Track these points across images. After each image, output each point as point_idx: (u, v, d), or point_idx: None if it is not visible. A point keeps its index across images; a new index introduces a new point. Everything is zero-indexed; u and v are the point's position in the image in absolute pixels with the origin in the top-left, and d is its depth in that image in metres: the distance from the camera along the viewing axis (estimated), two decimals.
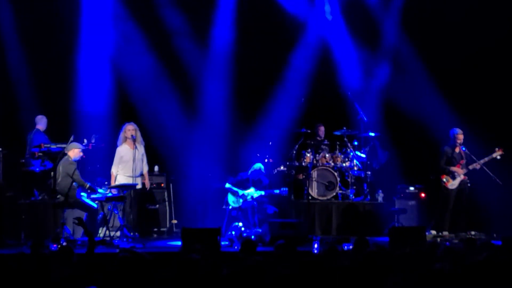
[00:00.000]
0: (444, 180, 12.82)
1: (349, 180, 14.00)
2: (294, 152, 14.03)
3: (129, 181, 11.93)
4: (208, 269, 6.03)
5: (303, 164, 13.81)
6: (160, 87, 14.46)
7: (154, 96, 14.38)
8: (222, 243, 10.68)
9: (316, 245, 10.53)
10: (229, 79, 14.72)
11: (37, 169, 12.52)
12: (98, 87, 14.04)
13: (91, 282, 5.86)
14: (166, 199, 13.58)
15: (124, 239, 11.27)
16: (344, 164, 13.97)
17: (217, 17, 14.82)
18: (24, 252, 7.17)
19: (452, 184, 12.79)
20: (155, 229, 13.35)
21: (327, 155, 13.97)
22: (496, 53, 14.28)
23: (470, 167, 12.77)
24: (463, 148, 12.85)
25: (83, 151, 11.71)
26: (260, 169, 12.80)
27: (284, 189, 12.80)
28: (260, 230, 11.87)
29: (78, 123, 13.38)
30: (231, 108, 14.61)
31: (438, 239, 11.79)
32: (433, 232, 12.71)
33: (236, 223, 12.10)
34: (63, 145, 11.76)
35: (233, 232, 11.77)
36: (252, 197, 12.57)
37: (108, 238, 11.26)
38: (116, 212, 11.71)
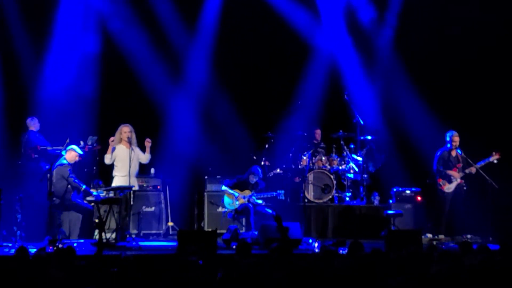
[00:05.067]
0: (441, 183, 12.83)
1: (345, 183, 14.01)
2: (291, 155, 14.03)
3: (124, 180, 11.88)
4: (205, 271, 6.04)
5: (300, 167, 13.82)
6: (158, 90, 14.46)
7: (152, 98, 14.37)
8: (220, 243, 10.69)
9: (316, 244, 10.64)
10: (228, 83, 14.72)
11: (33, 170, 12.49)
12: (93, 86, 14.04)
13: (89, 283, 5.86)
14: (162, 201, 13.56)
15: (120, 241, 11.24)
16: (340, 167, 13.98)
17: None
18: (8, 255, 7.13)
19: (449, 188, 12.80)
20: (151, 232, 13.32)
21: (323, 158, 13.97)
22: (493, 57, 14.32)
23: (467, 170, 12.78)
24: (460, 151, 12.86)
25: (80, 154, 11.68)
26: (256, 171, 12.79)
27: (280, 192, 12.80)
28: (256, 233, 11.86)
29: (75, 124, 13.38)
30: (230, 111, 14.62)
31: (434, 242, 11.78)
32: (429, 235, 12.72)
33: (232, 226, 12.09)
34: (60, 148, 11.75)
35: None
36: (248, 199, 12.56)
37: (104, 240, 11.21)
38: (111, 214, 11.68)
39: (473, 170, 12.75)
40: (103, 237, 11.37)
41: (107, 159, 12.05)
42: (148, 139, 12.16)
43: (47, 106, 13.64)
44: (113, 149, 12.02)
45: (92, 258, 7.81)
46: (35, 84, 13.83)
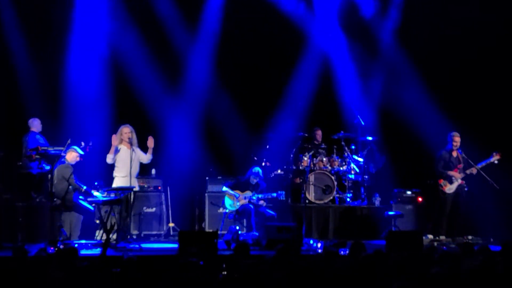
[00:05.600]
0: (442, 184, 12.82)
1: (346, 184, 14.01)
2: (292, 155, 14.04)
3: (125, 181, 11.88)
4: (205, 272, 6.04)
5: (300, 167, 13.82)
6: (159, 90, 14.47)
7: (153, 99, 14.38)
8: (221, 244, 10.69)
9: (319, 245, 10.66)
10: (228, 84, 14.73)
11: (34, 171, 12.50)
12: (97, 89, 14.04)
13: (90, 284, 5.86)
14: (163, 202, 13.56)
15: (121, 242, 11.24)
16: (341, 168, 13.98)
17: (213, 14, 14.90)
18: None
19: (450, 189, 12.80)
20: (152, 232, 13.32)
21: (324, 159, 13.97)
22: (493, 57, 14.33)
23: (467, 171, 12.78)
24: (461, 152, 12.86)
25: (80, 155, 11.68)
26: (257, 172, 12.79)
27: (281, 192, 12.80)
28: (257, 234, 11.87)
29: (76, 125, 13.39)
30: (230, 112, 14.62)
31: (435, 243, 11.79)
32: (430, 236, 12.72)
33: (233, 226, 12.09)
34: (61, 148, 11.74)
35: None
36: (249, 200, 12.56)
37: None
38: (113, 215, 11.68)
39: (474, 170, 12.74)
40: (103, 237, 11.41)
41: (109, 159, 12.06)
42: (151, 138, 12.13)
43: (50, 107, 13.66)
44: (117, 150, 12.01)
45: (94, 259, 7.80)
46: (37, 85, 13.83)
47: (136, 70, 14.35)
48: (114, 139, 12.01)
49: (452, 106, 14.15)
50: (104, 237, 11.38)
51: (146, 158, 12.22)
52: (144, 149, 12.21)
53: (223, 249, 11.15)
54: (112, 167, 12.16)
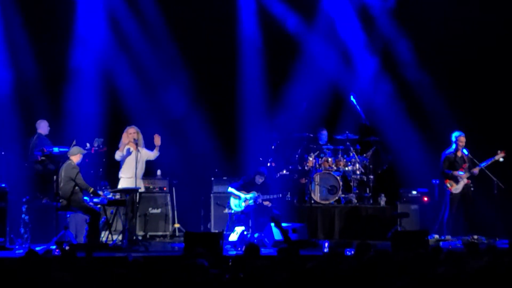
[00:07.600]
0: (448, 184, 12.81)
1: (351, 184, 13.99)
2: (297, 156, 14.03)
3: (131, 182, 11.89)
4: (211, 272, 6.04)
5: (306, 168, 13.81)
6: (160, 91, 14.49)
7: (155, 100, 14.40)
8: (226, 246, 10.69)
9: (326, 244, 10.67)
10: (231, 82, 14.74)
11: (40, 173, 12.52)
12: (99, 89, 14.07)
13: (92, 285, 5.85)
14: (169, 203, 13.57)
15: (127, 243, 11.25)
16: (346, 168, 13.96)
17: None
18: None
19: (456, 189, 12.78)
20: (158, 233, 13.33)
21: (329, 159, 13.96)
22: (497, 54, 14.31)
23: (473, 170, 12.76)
24: (466, 152, 12.84)
25: (84, 154, 11.70)
26: (263, 173, 12.79)
27: (287, 193, 12.79)
28: (262, 234, 11.87)
29: (80, 126, 13.41)
30: (233, 111, 14.63)
31: (441, 243, 11.78)
32: (436, 236, 12.70)
33: (239, 227, 12.09)
34: (65, 149, 11.77)
35: (236, 236, 11.81)
36: (254, 201, 12.56)
37: (110, 242, 11.26)
38: (118, 216, 11.71)
39: (477, 170, 12.74)
40: (109, 238, 11.43)
41: (118, 155, 12.07)
42: (157, 136, 12.15)
43: (56, 108, 13.69)
44: (129, 152, 12.02)
45: (98, 260, 7.80)
46: (44, 86, 13.86)
47: (139, 69, 14.38)
48: (125, 138, 12.05)
49: (453, 106, 14.15)
50: (110, 237, 11.40)
51: (153, 154, 12.23)
52: (151, 148, 12.23)
53: (229, 250, 11.16)
54: (117, 168, 12.17)
